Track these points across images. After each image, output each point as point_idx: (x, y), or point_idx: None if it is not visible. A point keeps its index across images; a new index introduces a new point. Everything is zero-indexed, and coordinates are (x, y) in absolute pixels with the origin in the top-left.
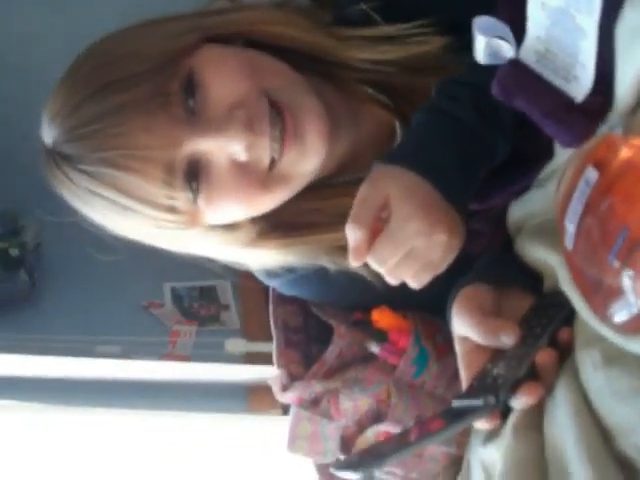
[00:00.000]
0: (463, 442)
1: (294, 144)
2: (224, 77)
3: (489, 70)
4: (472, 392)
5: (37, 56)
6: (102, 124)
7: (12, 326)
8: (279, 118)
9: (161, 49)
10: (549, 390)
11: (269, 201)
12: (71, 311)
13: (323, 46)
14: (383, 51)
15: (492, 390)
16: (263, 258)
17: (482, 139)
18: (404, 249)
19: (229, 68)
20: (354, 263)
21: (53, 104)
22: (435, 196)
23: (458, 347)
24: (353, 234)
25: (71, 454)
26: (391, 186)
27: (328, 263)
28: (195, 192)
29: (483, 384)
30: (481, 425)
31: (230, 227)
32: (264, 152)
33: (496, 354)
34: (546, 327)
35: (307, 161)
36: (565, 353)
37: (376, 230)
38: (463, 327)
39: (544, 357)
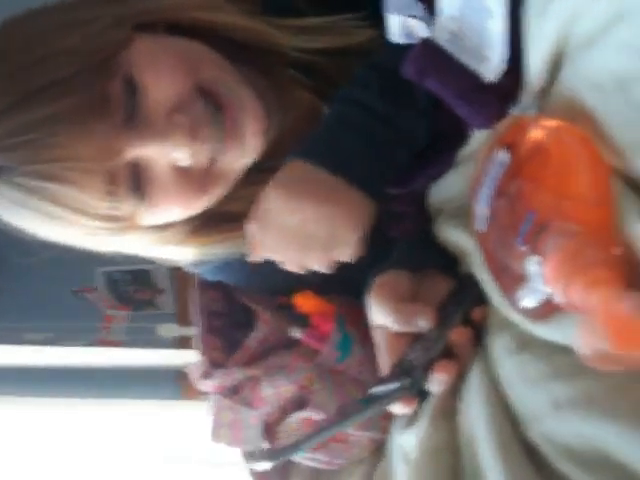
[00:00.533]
0: (388, 427)
1: (234, 144)
2: (162, 77)
3: (403, 52)
4: (390, 378)
5: None
6: (35, 134)
7: None
8: (219, 114)
9: (90, 46)
10: (465, 370)
11: (207, 200)
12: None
13: (253, 32)
14: (311, 40)
15: (407, 372)
16: (192, 253)
17: (394, 124)
18: (279, 228)
19: (166, 66)
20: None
21: None
22: (331, 181)
23: (376, 335)
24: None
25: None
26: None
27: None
28: (139, 199)
29: (400, 369)
30: (399, 409)
31: (163, 227)
32: (205, 155)
33: (414, 340)
34: (459, 307)
35: (245, 158)
36: (479, 332)
37: None
38: (379, 315)
39: (457, 335)
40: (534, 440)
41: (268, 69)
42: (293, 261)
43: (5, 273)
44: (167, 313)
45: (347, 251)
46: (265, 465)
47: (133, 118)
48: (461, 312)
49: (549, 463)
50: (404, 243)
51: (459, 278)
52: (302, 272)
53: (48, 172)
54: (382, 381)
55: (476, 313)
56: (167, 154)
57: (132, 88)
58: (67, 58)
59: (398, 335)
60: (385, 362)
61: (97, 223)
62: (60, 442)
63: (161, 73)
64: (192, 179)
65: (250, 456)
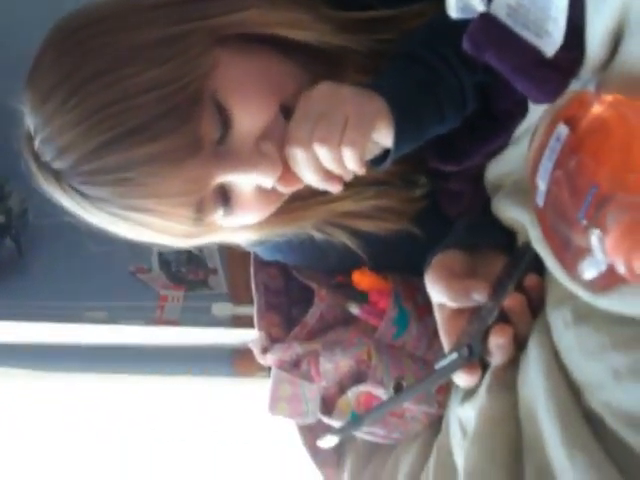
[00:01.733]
0: (444, 402)
1: None
2: (249, 105)
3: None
4: (450, 352)
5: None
6: (131, 173)
7: None
8: None
9: (181, 74)
10: (523, 339)
11: (281, 202)
12: (58, 277)
13: (334, 47)
14: (379, 32)
15: (466, 343)
16: (253, 234)
17: (437, 71)
18: (316, 113)
19: (252, 91)
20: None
21: (56, 129)
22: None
23: (437, 314)
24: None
25: (61, 420)
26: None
27: (314, 232)
28: (222, 216)
29: (459, 342)
30: (460, 380)
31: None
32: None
33: (473, 315)
34: (512, 276)
35: None
36: (534, 299)
37: None
38: (437, 293)
39: (511, 302)
40: (595, 408)
41: (338, 66)
42: (329, 152)
43: (67, 255)
44: (220, 293)
45: (379, 133)
46: (332, 440)
47: (221, 147)
48: (514, 281)
49: (610, 431)
50: (461, 222)
51: (514, 251)
52: (340, 170)
53: (141, 206)
54: (443, 356)
55: (529, 280)
56: (253, 181)
57: (222, 118)
58: (162, 91)
59: (457, 312)
60: (446, 339)
61: (181, 234)
62: (118, 418)
63: (248, 101)
64: (275, 194)
65: (304, 435)
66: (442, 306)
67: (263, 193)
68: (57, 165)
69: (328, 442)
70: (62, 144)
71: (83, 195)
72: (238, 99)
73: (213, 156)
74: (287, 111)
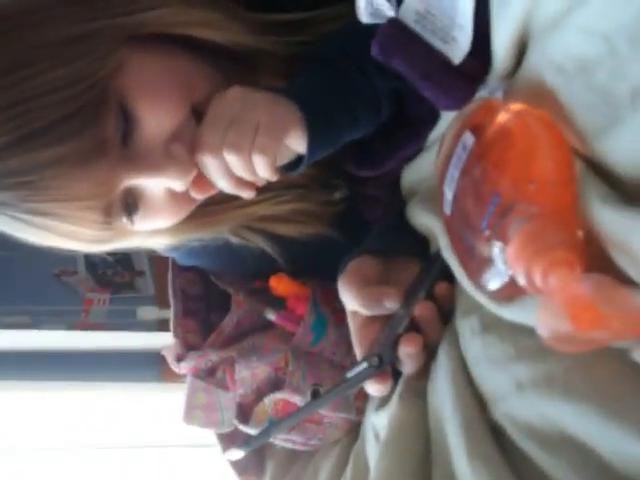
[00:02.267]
0: (363, 408)
1: None
2: (157, 107)
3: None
4: (361, 360)
5: None
6: (35, 176)
7: None
8: None
9: (84, 80)
10: (433, 348)
11: (194, 206)
12: None
13: (248, 47)
14: (296, 34)
15: (376, 352)
16: (167, 239)
17: (349, 76)
18: (228, 118)
19: (161, 94)
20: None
21: None
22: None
23: (350, 322)
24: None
25: None
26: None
27: (231, 237)
28: (131, 220)
29: (371, 351)
30: (370, 389)
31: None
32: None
33: (385, 323)
34: (423, 284)
35: None
36: (444, 307)
37: None
38: (349, 300)
39: (421, 310)
40: (498, 420)
41: (253, 69)
42: (239, 159)
43: None
44: (147, 296)
45: (292, 139)
46: (238, 454)
47: (129, 149)
48: (425, 289)
49: (513, 443)
50: (376, 228)
51: (426, 260)
52: (251, 177)
53: (47, 210)
54: (355, 364)
55: (439, 288)
56: (163, 184)
57: (126, 119)
58: (66, 92)
59: (370, 319)
60: (358, 347)
61: (90, 239)
62: (41, 426)
63: (156, 103)
64: (185, 197)
65: (223, 442)
66: (355, 313)
67: (174, 197)
68: None
69: (234, 455)
70: None
71: None
72: (144, 100)
73: (119, 159)
74: (199, 114)
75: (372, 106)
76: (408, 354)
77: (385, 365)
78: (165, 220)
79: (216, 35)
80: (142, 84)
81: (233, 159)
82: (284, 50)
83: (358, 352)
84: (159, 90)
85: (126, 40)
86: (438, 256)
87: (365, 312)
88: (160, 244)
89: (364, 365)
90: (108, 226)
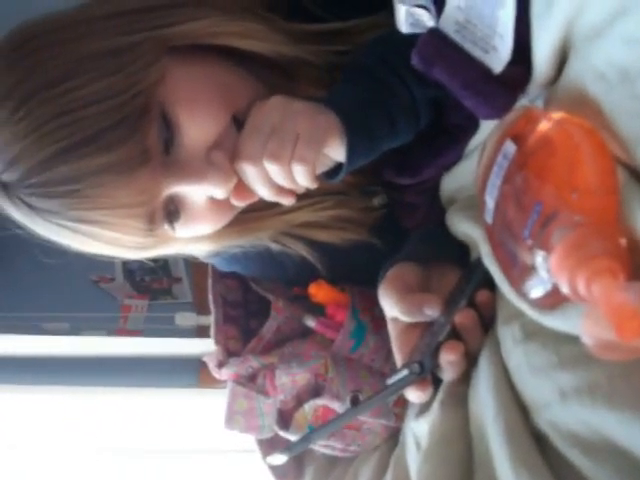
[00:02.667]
0: (402, 414)
1: None
2: (199, 115)
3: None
4: (401, 367)
5: None
6: (81, 184)
7: None
8: None
9: (131, 84)
10: (474, 355)
11: (235, 213)
12: (18, 287)
13: (290, 58)
14: (334, 44)
15: (417, 359)
16: (209, 246)
17: (391, 87)
18: (267, 128)
19: (202, 103)
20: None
21: (5, 141)
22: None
23: (390, 328)
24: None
25: (22, 433)
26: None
27: (271, 243)
28: (173, 227)
29: (411, 358)
30: (411, 396)
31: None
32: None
33: (425, 330)
34: (464, 292)
35: None
36: (485, 315)
37: None
38: (390, 307)
39: (462, 317)
40: (542, 428)
41: (292, 78)
42: (279, 168)
43: (25, 263)
44: (184, 302)
45: (331, 149)
46: (280, 459)
47: (171, 158)
48: (466, 296)
49: (556, 450)
50: (416, 235)
51: (466, 267)
52: (291, 185)
53: (93, 218)
54: (395, 371)
55: (480, 295)
56: (204, 192)
57: (168, 127)
58: (110, 102)
59: (410, 326)
60: (398, 354)
61: (133, 246)
62: (80, 431)
63: (197, 111)
64: (226, 205)
65: (262, 448)
66: (395, 320)
67: (215, 204)
68: (6, 177)
69: (277, 460)
70: (11, 156)
71: (31, 207)
72: (185, 109)
73: (162, 167)
74: (240, 122)
75: (411, 115)
76: (449, 361)
77: (426, 372)
78: (206, 227)
79: (256, 45)
80: (183, 93)
81: (273, 168)
82: (323, 59)
83: (398, 359)
84: (200, 99)
85: (168, 50)
86: (479, 263)
87: (406, 319)
88: (201, 250)
89: (405, 372)
90: (151, 233)
